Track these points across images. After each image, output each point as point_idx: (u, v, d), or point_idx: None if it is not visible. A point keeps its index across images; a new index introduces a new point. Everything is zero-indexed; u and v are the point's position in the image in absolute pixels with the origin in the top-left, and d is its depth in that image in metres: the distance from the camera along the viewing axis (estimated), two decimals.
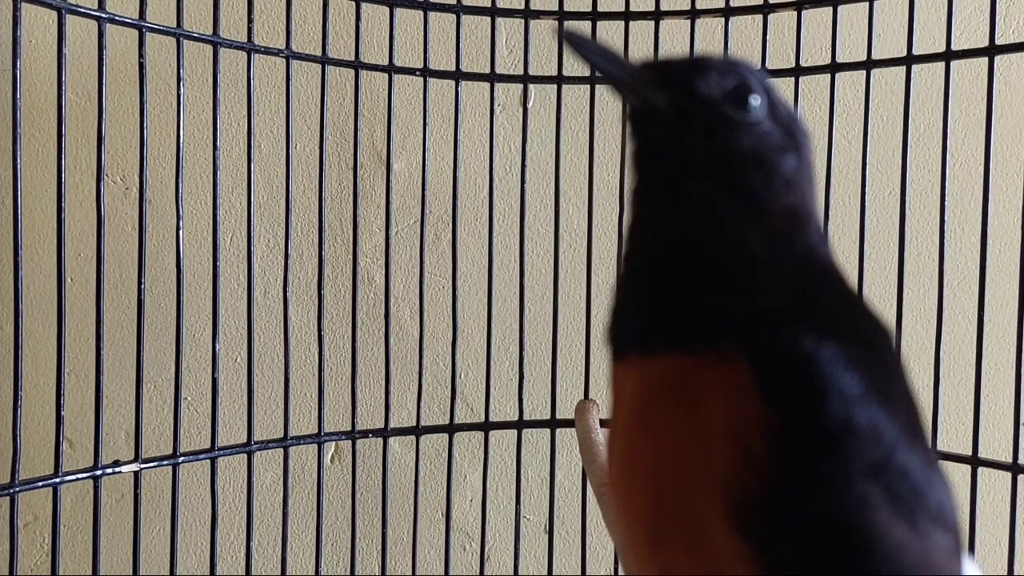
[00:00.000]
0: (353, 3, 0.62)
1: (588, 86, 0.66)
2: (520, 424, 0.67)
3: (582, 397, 0.66)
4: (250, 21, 0.58)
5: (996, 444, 0.61)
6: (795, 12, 0.62)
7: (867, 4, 0.60)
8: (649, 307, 0.33)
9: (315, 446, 0.63)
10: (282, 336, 0.61)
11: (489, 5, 0.65)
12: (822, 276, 0.34)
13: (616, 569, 0.68)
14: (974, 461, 0.58)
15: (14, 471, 0.49)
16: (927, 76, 0.62)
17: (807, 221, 0.34)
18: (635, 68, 0.34)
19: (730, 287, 0.32)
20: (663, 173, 0.34)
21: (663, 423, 0.32)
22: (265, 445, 0.60)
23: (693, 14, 0.65)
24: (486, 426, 0.67)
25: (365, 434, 0.65)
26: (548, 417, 0.67)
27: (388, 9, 0.63)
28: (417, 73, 0.64)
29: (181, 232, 0.56)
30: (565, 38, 0.32)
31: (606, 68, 0.34)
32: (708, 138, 0.34)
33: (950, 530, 0.32)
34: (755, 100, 0.34)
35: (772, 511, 0.29)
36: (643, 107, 0.34)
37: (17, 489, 0.49)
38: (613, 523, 0.43)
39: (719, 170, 0.33)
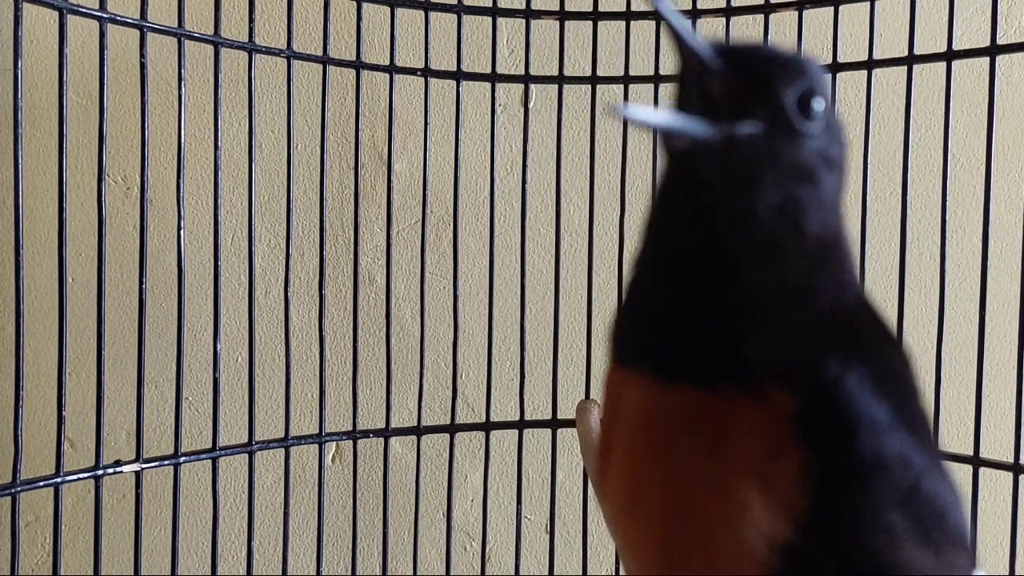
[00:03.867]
0: (354, 3, 0.62)
1: (589, 86, 0.66)
2: (521, 424, 0.67)
3: (583, 397, 0.66)
4: (251, 21, 0.58)
5: (997, 444, 0.61)
6: (796, 12, 0.62)
7: (868, 4, 0.60)
8: (670, 328, 0.31)
9: (316, 446, 0.63)
10: (283, 336, 0.61)
11: (490, 5, 0.65)
12: (852, 304, 0.32)
13: (617, 569, 0.68)
14: (975, 461, 0.58)
15: (15, 471, 0.49)
16: (928, 76, 0.62)
17: (842, 243, 0.32)
18: (708, 51, 0.30)
19: (764, 320, 0.30)
20: (714, 186, 0.30)
21: (680, 459, 0.30)
22: (266, 445, 0.60)
23: (694, 14, 0.65)
24: (487, 426, 0.67)
25: (366, 434, 0.65)
26: (549, 417, 0.67)
27: (389, 9, 0.63)
28: (418, 73, 0.64)
29: (182, 232, 0.56)
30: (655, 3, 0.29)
31: (683, 40, 0.30)
32: (769, 148, 0.30)
33: (966, 549, 0.31)
34: (819, 105, 0.31)
35: (799, 547, 0.28)
36: (702, 105, 0.30)
37: (18, 489, 0.49)
38: (611, 523, 0.43)
39: (778, 186, 0.30)
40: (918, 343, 0.34)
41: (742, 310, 0.30)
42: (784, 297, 0.30)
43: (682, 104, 0.32)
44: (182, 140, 0.56)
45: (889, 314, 0.34)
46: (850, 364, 0.30)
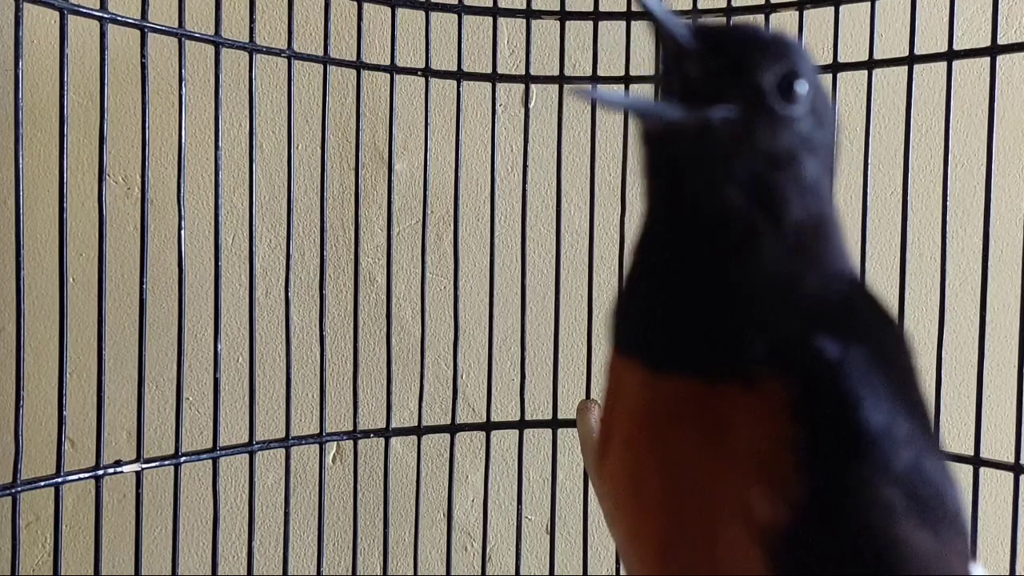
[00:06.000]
0: (355, 3, 0.62)
1: (590, 86, 0.66)
2: (522, 424, 0.67)
3: (584, 397, 0.66)
4: (252, 21, 0.58)
5: (998, 444, 0.61)
6: (797, 12, 0.62)
7: (869, 4, 0.60)
8: (660, 317, 0.31)
9: (317, 446, 0.63)
10: (284, 336, 0.61)
11: (491, 5, 0.65)
12: (844, 286, 0.32)
13: (617, 569, 0.68)
14: (976, 461, 0.58)
15: (16, 471, 0.49)
16: (929, 76, 0.62)
17: (832, 229, 0.32)
18: (685, 32, 0.30)
19: (754, 307, 0.30)
20: (687, 170, 0.30)
21: (678, 448, 0.30)
22: (267, 445, 0.60)
23: (694, 14, 0.65)
24: (488, 426, 0.67)
25: (367, 434, 0.65)
26: (550, 417, 0.67)
27: (390, 9, 0.63)
28: (419, 73, 0.64)
29: (183, 232, 0.56)
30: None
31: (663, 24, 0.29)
32: (747, 134, 0.30)
33: (963, 534, 0.31)
34: (801, 88, 0.30)
35: (800, 529, 0.28)
36: (682, 89, 0.30)
37: (19, 489, 0.49)
38: (613, 525, 0.43)
39: (752, 172, 0.30)
40: (918, 343, 0.34)
41: (728, 297, 0.30)
42: (769, 283, 0.30)
43: (665, 88, 0.31)
44: (183, 140, 0.56)
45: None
46: (846, 345, 0.30)
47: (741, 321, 0.30)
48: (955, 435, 0.69)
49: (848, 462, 0.29)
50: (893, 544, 0.29)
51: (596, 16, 0.65)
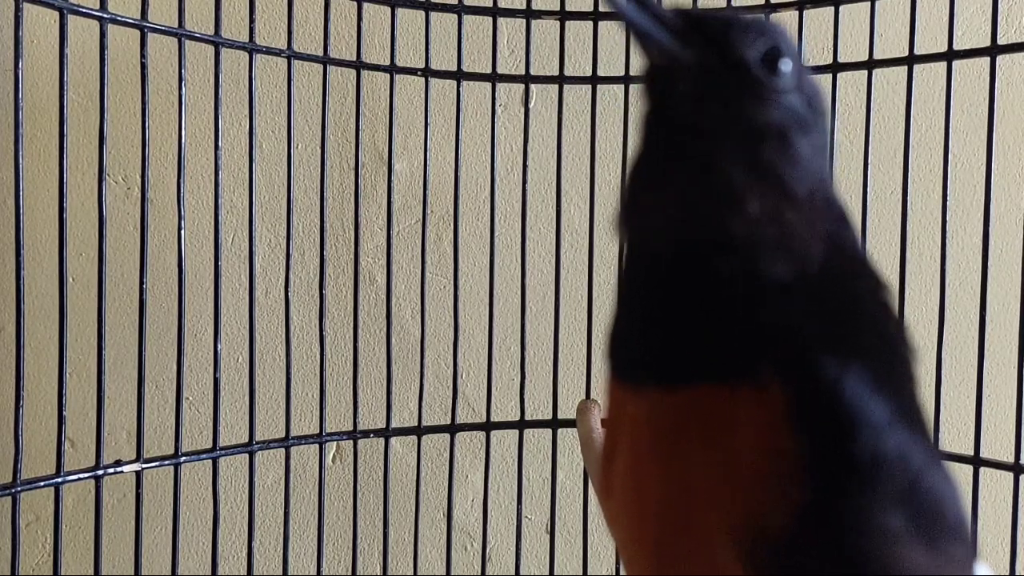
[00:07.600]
0: (355, 3, 0.62)
1: (589, 86, 0.66)
2: (522, 424, 0.67)
3: (584, 397, 0.65)
4: (252, 21, 0.58)
5: (998, 444, 0.61)
6: (797, 12, 0.62)
7: (868, 4, 0.60)
8: (664, 334, 0.31)
9: (317, 446, 0.63)
10: (284, 336, 0.61)
11: (491, 5, 0.65)
12: (847, 278, 0.31)
13: (617, 569, 0.68)
14: (976, 461, 0.58)
15: (16, 471, 0.49)
16: (929, 76, 0.62)
17: (829, 206, 0.32)
18: (668, 15, 0.31)
19: (755, 302, 0.30)
20: (677, 144, 0.31)
21: (680, 456, 0.30)
22: (267, 445, 0.60)
23: None
24: (488, 426, 0.67)
25: (367, 434, 0.65)
26: (550, 417, 0.67)
27: (390, 9, 0.63)
28: (419, 73, 0.64)
29: (183, 232, 0.56)
30: None
31: (634, 16, 0.31)
32: (734, 104, 0.30)
33: (965, 541, 0.31)
34: (785, 65, 0.31)
35: (793, 546, 0.28)
36: (668, 63, 0.31)
37: (19, 489, 0.49)
38: (614, 524, 0.43)
39: (742, 144, 0.30)
40: (918, 343, 0.34)
41: (729, 299, 0.30)
42: (771, 279, 0.30)
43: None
44: (182, 140, 0.56)
45: None
46: (848, 358, 0.29)
47: (744, 321, 0.30)
48: (955, 435, 0.69)
49: (846, 486, 0.28)
50: (890, 566, 0.29)
51: (596, 16, 0.65)
